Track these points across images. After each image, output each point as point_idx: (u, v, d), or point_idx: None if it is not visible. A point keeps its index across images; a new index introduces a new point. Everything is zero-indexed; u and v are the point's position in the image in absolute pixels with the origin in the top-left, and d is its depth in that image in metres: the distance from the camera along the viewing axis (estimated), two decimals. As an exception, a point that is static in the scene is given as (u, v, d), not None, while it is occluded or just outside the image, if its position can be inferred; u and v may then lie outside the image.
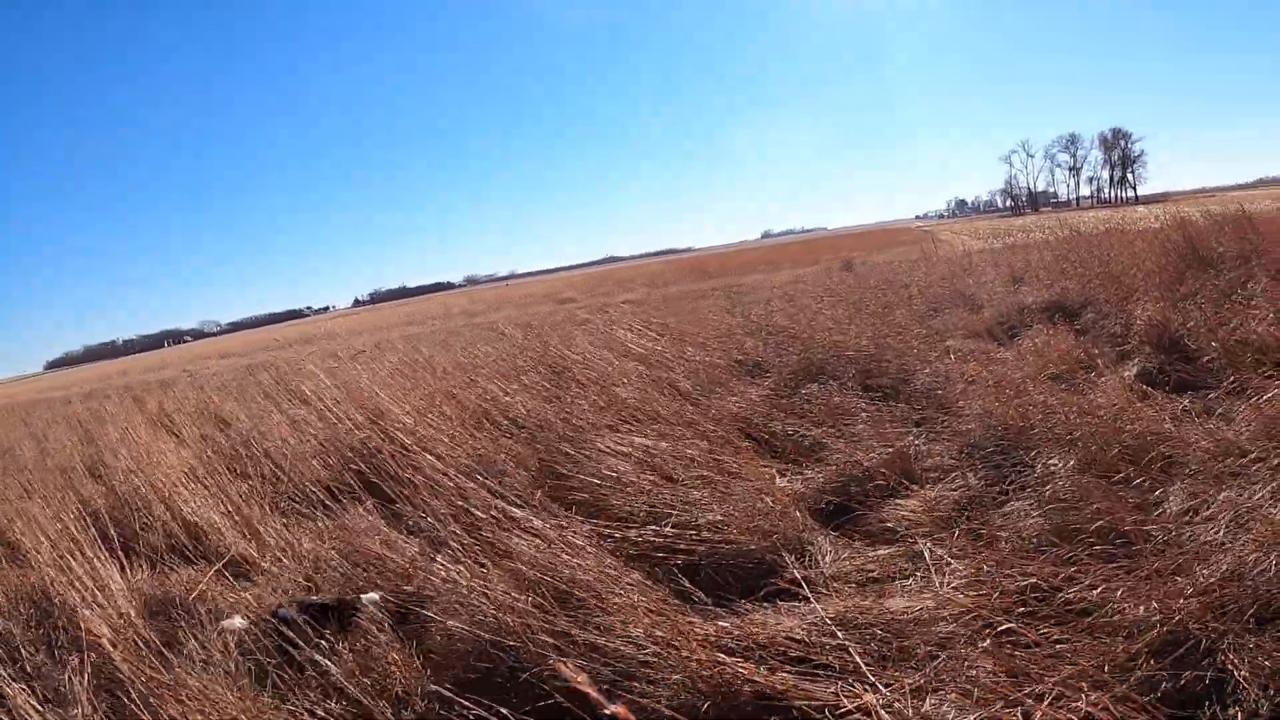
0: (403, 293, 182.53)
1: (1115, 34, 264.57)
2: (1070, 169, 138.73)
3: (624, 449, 6.62)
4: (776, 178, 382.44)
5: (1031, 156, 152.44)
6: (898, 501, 5.70)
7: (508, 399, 9.04)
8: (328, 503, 7.11)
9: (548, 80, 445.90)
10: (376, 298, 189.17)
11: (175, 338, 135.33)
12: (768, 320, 13.15)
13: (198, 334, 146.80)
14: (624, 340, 11.39)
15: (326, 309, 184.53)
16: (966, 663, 3.63)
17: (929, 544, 4.91)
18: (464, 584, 4.67)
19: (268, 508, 7.36)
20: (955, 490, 5.70)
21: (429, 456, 6.77)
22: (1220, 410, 6.50)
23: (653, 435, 7.04)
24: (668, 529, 5.28)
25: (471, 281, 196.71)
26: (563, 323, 17.86)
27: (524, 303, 42.86)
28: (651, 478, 5.99)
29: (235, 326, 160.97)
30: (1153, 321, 9.01)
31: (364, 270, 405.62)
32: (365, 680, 4.32)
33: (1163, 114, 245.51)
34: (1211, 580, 3.96)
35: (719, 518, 5.34)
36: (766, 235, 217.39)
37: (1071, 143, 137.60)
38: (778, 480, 6.32)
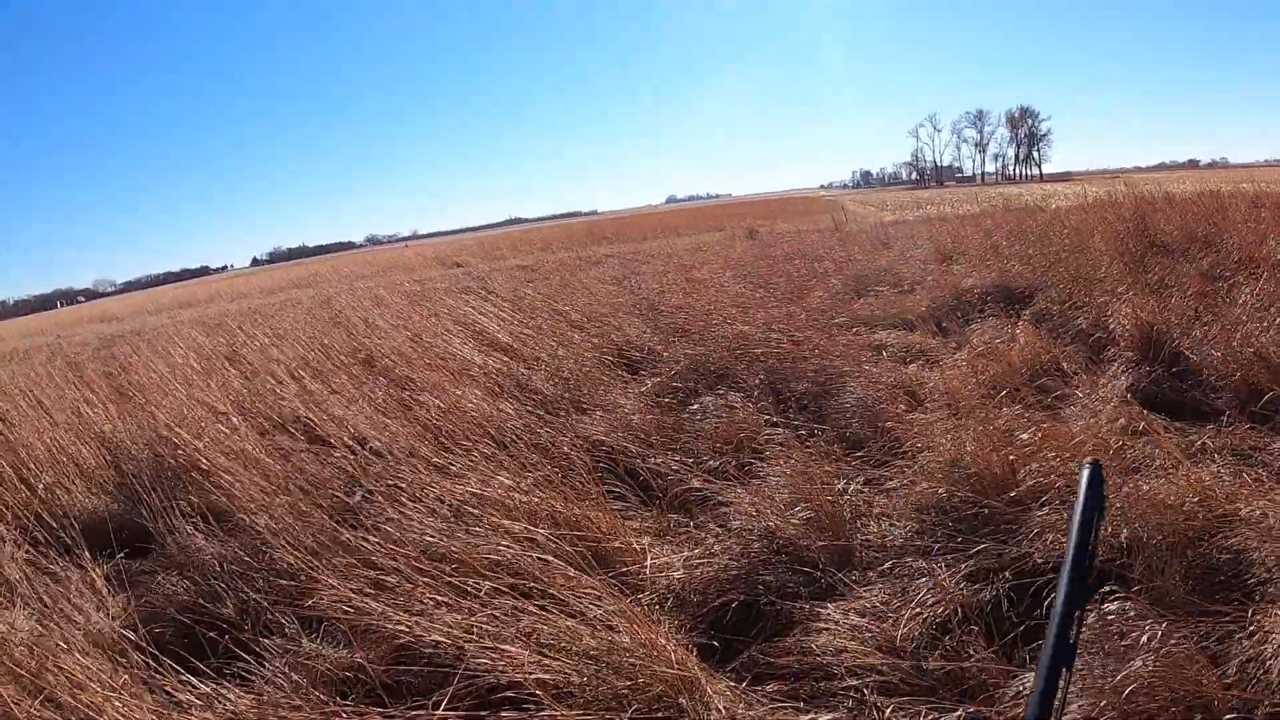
0: (302, 252, 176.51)
1: (1020, 11, 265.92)
2: (977, 145, 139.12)
3: (426, 507, 4.51)
4: (682, 144, 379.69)
5: (939, 131, 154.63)
6: (833, 613, 3.64)
7: (335, 406, 6.91)
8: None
9: (453, 39, 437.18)
10: (276, 257, 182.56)
11: (68, 298, 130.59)
12: (660, 298, 11.07)
13: (91, 294, 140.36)
14: (486, 327, 9.27)
15: (224, 268, 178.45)
16: None
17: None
18: None
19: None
20: (923, 598, 3.63)
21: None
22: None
23: (480, 473, 4.94)
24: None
25: (373, 241, 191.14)
26: (442, 294, 15.60)
27: (415, 266, 40.28)
28: (450, 578, 3.76)
29: (130, 286, 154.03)
30: (1139, 321, 7.07)
31: (266, 227, 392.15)
32: None
33: (1062, 96, 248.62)
34: None
35: (547, 676, 3.14)
36: (671, 200, 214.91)
37: (979, 119, 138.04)
38: (650, 558, 4.22)
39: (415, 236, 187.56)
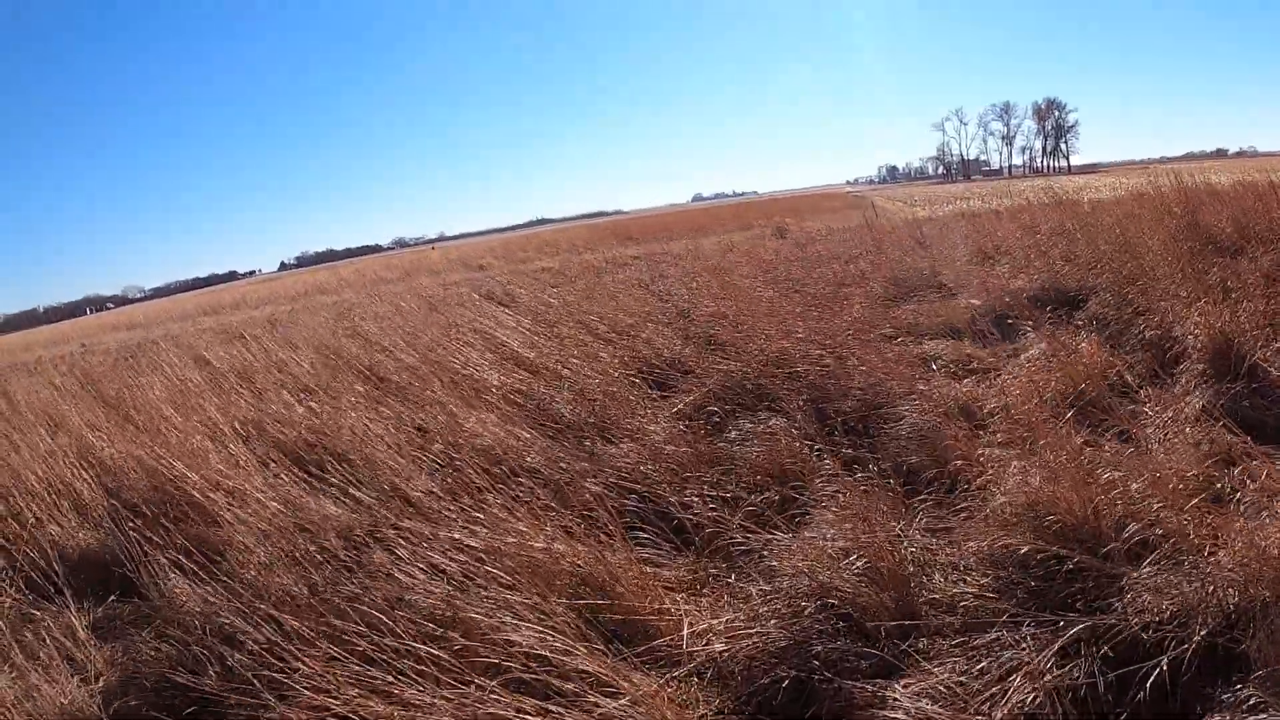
0: (329, 255, 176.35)
1: (1039, 6, 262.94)
2: (1003, 138, 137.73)
3: (431, 565, 3.98)
4: (707, 142, 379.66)
5: (965, 124, 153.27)
6: (901, 698, 3.06)
7: (343, 433, 6.46)
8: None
9: (479, 40, 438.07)
10: (303, 260, 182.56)
11: (97, 304, 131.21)
12: (691, 304, 10.55)
13: (120, 300, 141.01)
14: (505, 340, 8.76)
15: (252, 273, 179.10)
16: None
17: None
18: None
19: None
20: (1009, 681, 3.06)
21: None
22: None
23: (493, 521, 4.41)
24: None
25: (400, 244, 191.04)
26: (463, 301, 15.09)
27: (439, 268, 39.98)
28: (449, 668, 3.20)
29: (159, 292, 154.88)
30: (1212, 331, 6.44)
31: (295, 231, 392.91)
32: None
33: (1084, 86, 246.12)
34: None
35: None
36: (697, 199, 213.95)
37: (1005, 111, 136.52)
38: (686, 625, 3.67)
39: (442, 238, 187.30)
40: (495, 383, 7.16)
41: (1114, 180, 31.92)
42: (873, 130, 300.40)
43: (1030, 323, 8.03)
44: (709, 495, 4.91)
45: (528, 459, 5.43)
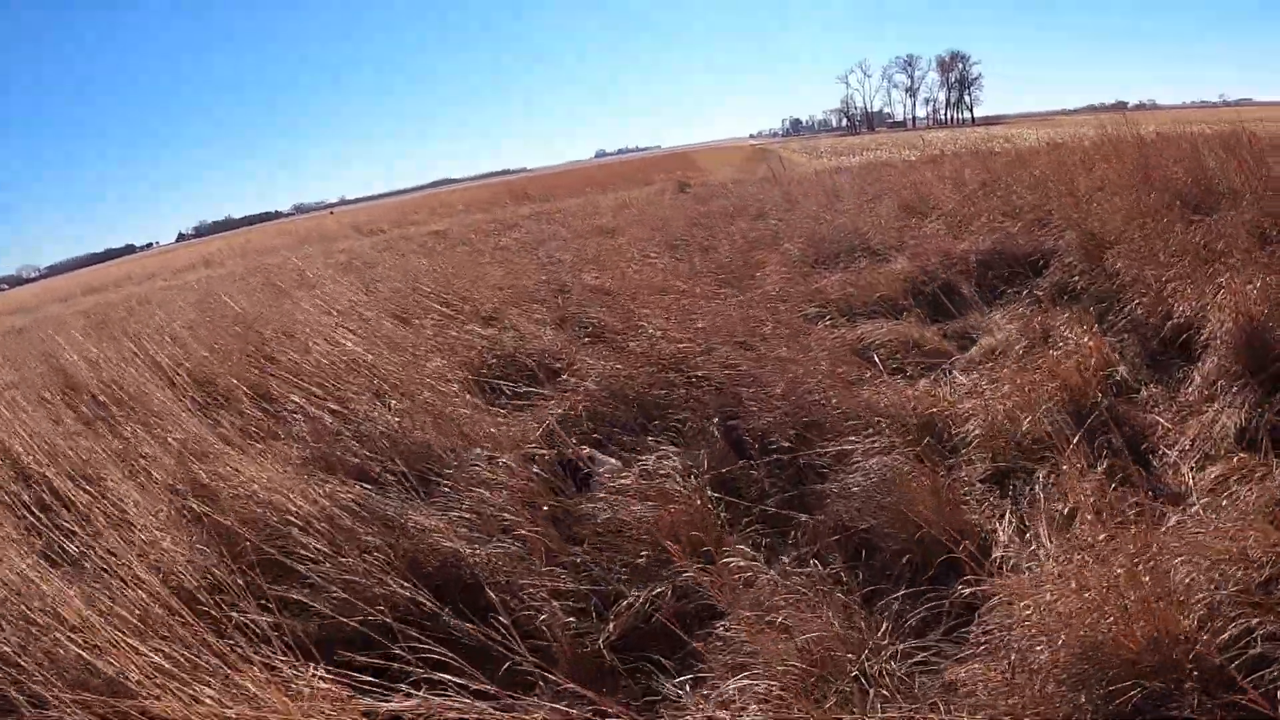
0: (228, 224, 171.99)
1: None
2: (908, 90, 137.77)
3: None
4: (610, 97, 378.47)
5: (869, 76, 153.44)
6: None
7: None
8: None
9: (378, 4, 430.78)
10: (201, 231, 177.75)
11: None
12: (573, 275, 8.88)
13: (15, 281, 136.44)
14: (345, 344, 6.84)
15: (150, 245, 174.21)
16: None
17: None
18: None
19: None
20: None
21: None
22: None
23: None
24: None
25: (300, 210, 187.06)
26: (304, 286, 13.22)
27: (331, 236, 38.13)
28: None
29: (54, 270, 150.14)
30: (1241, 316, 4.69)
31: (195, 199, 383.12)
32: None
33: (985, 39, 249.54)
34: None
35: None
36: (600, 154, 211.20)
37: (909, 64, 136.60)
38: None
39: (343, 202, 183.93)
40: (298, 400, 5.37)
41: (1023, 130, 31.25)
42: (776, 84, 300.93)
43: (989, 294, 6.61)
44: (566, 592, 3.24)
45: (308, 543, 3.60)
